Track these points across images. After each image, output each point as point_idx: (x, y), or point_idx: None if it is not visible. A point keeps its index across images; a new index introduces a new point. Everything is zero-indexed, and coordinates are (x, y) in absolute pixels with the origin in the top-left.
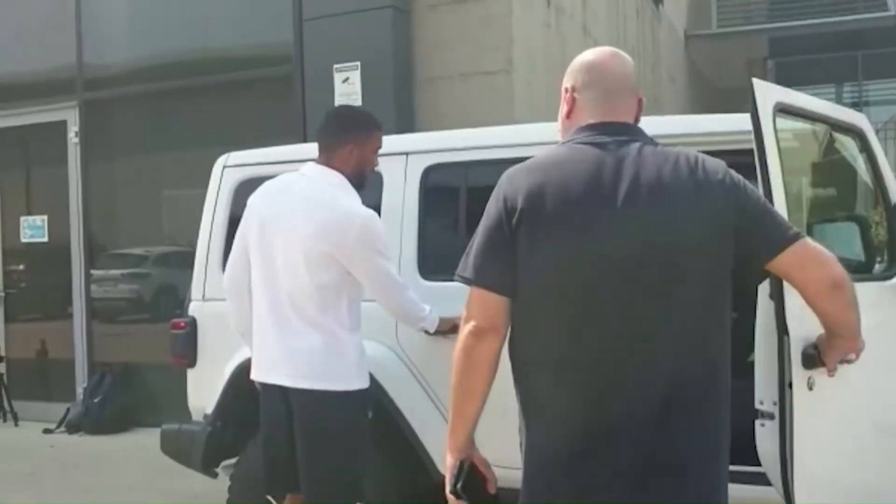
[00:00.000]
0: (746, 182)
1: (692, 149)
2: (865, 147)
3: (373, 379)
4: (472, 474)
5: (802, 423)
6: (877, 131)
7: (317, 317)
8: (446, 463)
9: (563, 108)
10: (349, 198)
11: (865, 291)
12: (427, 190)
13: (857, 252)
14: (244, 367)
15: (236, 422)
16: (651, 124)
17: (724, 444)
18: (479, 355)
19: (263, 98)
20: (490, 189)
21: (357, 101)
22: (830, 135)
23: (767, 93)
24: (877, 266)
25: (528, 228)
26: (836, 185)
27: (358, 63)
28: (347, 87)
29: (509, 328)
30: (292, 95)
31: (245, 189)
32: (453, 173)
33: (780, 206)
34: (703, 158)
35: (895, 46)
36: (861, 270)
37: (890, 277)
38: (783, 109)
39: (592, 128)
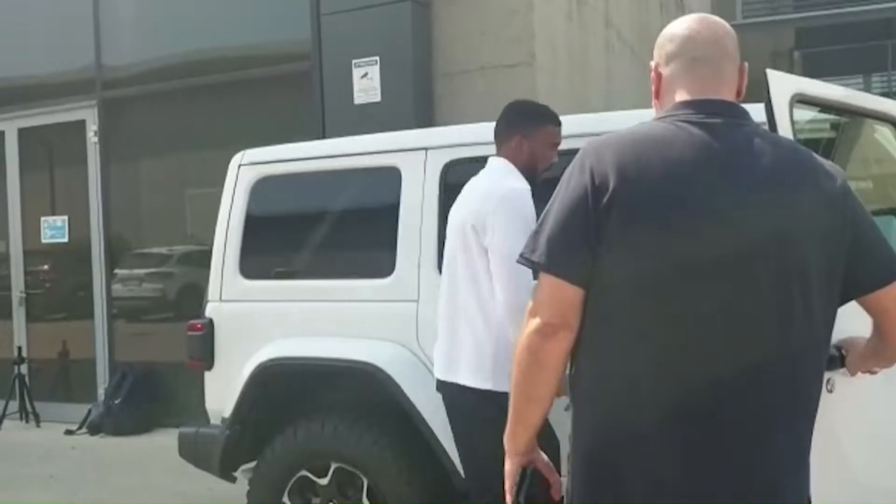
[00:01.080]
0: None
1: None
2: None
3: (393, 383)
4: (534, 480)
5: (820, 425)
6: None
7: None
8: (506, 469)
9: (653, 88)
10: (505, 177)
11: None
12: (447, 186)
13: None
14: (262, 370)
15: (255, 425)
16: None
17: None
18: (548, 356)
19: (282, 95)
20: None
21: (376, 96)
22: (867, 125)
23: (784, 83)
24: None
25: (622, 212)
26: (875, 178)
27: (377, 58)
28: (366, 83)
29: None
30: (311, 92)
31: (261, 187)
32: (474, 169)
33: None
34: (819, 157)
35: None
36: None
37: None
38: (803, 100)
39: (689, 105)
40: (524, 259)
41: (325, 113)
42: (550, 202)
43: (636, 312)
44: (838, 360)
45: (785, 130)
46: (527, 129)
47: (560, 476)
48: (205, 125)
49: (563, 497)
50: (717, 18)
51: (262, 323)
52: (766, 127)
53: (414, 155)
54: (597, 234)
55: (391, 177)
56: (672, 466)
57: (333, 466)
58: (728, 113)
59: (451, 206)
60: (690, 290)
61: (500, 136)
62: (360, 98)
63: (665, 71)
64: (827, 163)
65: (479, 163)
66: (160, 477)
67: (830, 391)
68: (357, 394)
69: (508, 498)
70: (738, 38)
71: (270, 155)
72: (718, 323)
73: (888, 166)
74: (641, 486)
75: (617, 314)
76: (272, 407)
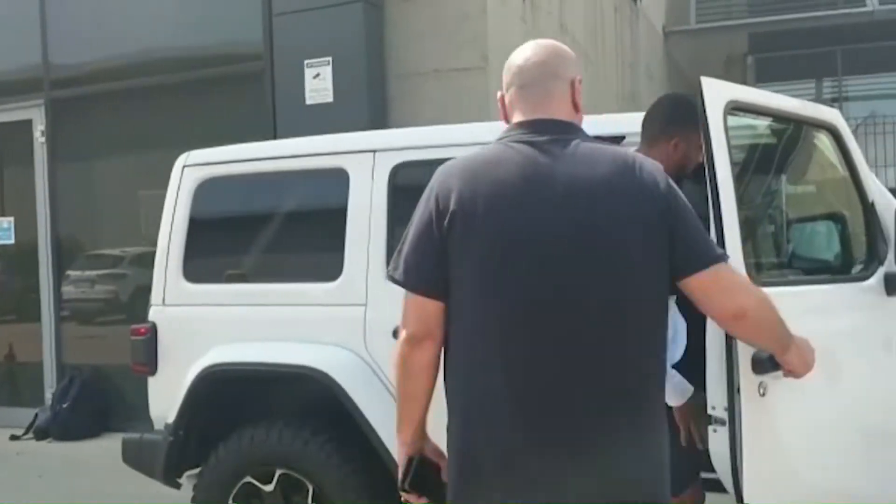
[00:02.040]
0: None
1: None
2: (840, 144)
3: (340, 388)
4: (423, 468)
5: (753, 428)
6: (856, 127)
7: None
8: (398, 460)
9: (501, 115)
10: None
11: (841, 293)
12: (396, 188)
13: (835, 251)
14: (206, 375)
15: (199, 431)
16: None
17: (664, 439)
18: (417, 363)
19: (234, 95)
20: None
21: (328, 97)
22: (806, 132)
23: (719, 91)
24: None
25: (460, 231)
26: (814, 183)
27: (329, 59)
28: (318, 84)
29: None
30: (262, 92)
31: (206, 189)
32: (423, 172)
33: (727, 209)
34: (641, 158)
35: (873, 42)
36: (840, 271)
37: (867, 278)
38: (738, 108)
39: (521, 125)
40: (390, 277)
41: (276, 113)
42: (409, 224)
43: (482, 317)
44: (766, 362)
45: (719, 137)
46: (690, 130)
47: None
48: (155, 125)
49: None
50: (550, 42)
51: (207, 327)
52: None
53: (362, 157)
54: (445, 253)
55: (339, 179)
56: (526, 460)
57: (279, 472)
58: (555, 130)
59: (399, 208)
60: (522, 295)
61: (654, 135)
62: (312, 99)
63: (506, 97)
64: (648, 164)
65: (429, 166)
66: (109, 482)
67: (763, 395)
68: (303, 399)
69: (399, 485)
70: (694, 43)
71: (215, 156)
72: (552, 323)
73: (828, 172)
74: (500, 479)
75: (467, 320)
76: (216, 412)
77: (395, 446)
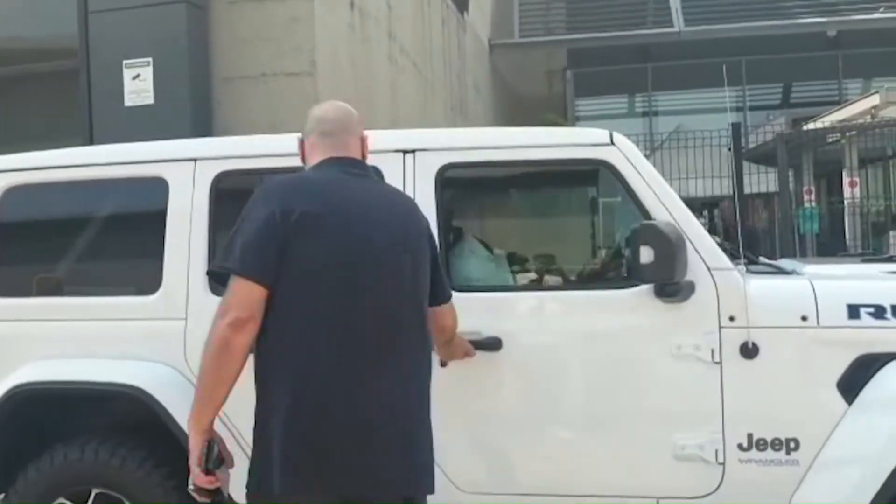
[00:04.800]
0: None
1: None
2: (618, 177)
3: (158, 404)
4: (216, 452)
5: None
6: (663, 140)
7: None
8: (192, 445)
9: (301, 154)
10: None
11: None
12: (218, 198)
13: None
14: (12, 395)
15: (5, 454)
16: None
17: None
18: (238, 345)
19: (46, 94)
20: None
21: (149, 99)
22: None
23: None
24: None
25: (301, 234)
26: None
27: (150, 59)
28: (138, 84)
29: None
30: (78, 92)
31: (14, 197)
32: (246, 181)
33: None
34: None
35: (680, 60)
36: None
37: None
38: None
39: (335, 160)
40: (220, 267)
41: (92, 114)
42: (235, 229)
43: (307, 310)
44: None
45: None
46: None
47: None
48: None
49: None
50: (345, 105)
51: (16, 344)
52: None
53: (182, 166)
54: (282, 252)
55: (157, 188)
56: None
57: (94, 492)
58: (361, 166)
59: (221, 218)
60: (349, 291)
61: None
62: (131, 100)
63: (308, 141)
64: (415, 204)
65: (251, 175)
66: None
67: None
68: (121, 417)
69: (199, 467)
70: (517, 56)
71: (25, 162)
72: (366, 318)
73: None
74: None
75: (300, 308)
76: (26, 434)
77: (191, 431)
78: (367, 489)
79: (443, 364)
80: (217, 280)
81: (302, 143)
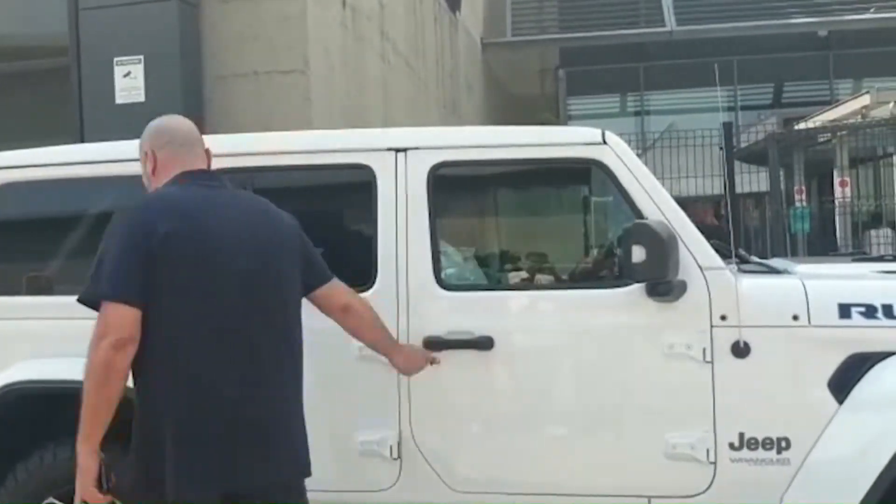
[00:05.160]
0: None
1: None
2: (610, 176)
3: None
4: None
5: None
6: (655, 140)
7: None
8: (84, 467)
9: (149, 167)
10: None
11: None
12: None
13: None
14: (4, 393)
15: None
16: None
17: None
18: (120, 365)
19: (37, 91)
20: (275, 195)
21: (140, 97)
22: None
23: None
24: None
25: (168, 253)
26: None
27: (141, 57)
28: (129, 82)
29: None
30: (68, 89)
31: (6, 195)
32: (235, 179)
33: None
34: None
35: (672, 59)
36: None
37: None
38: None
39: (193, 174)
40: (92, 296)
41: (83, 111)
42: (102, 253)
43: (187, 321)
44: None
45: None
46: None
47: None
48: None
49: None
50: (183, 118)
51: (8, 342)
52: None
53: None
54: (153, 271)
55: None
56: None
57: None
58: (213, 178)
59: None
60: (219, 301)
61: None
62: (122, 98)
63: (160, 154)
64: (274, 206)
65: (241, 173)
66: None
67: None
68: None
69: (92, 489)
70: (509, 54)
71: (16, 159)
72: (238, 323)
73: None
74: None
75: (179, 321)
76: (17, 433)
77: (82, 452)
78: (256, 479)
79: (433, 361)
80: (91, 307)
81: (153, 156)
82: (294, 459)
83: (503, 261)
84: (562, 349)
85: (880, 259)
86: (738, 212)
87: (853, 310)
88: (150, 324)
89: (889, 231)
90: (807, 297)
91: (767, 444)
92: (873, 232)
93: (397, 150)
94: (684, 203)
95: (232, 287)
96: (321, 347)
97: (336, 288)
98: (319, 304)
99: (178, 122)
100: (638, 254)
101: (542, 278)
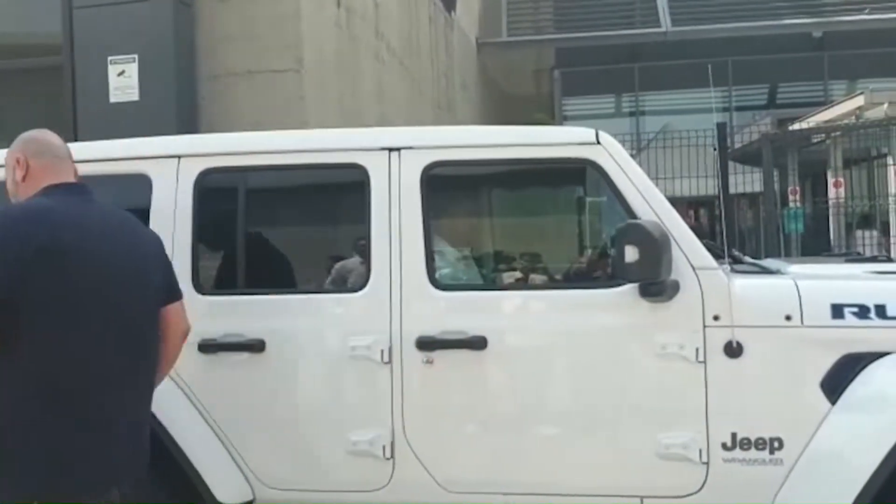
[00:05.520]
0: None
1: None
2: (604, 176)
3: None
4: None
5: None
6: (649, 140)
7: None
8: None
9: (19, 174)
10: None
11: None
12: (201, 195)
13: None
14: None
15: None
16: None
17: None
18: None
19: (30, 90)
20: (269, 195)
21: (134, 95)
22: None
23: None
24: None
25: (46, 265)
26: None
27: (135, 56)
28: (123, 81)
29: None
30: (62, 88)
31: None
32: (231, 178)
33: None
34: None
35: (667, 60)
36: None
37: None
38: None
39: (65, 186)
40: None
41: (77, 110)
42: None
43: (61, 324)
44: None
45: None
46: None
47: None
48: None
49: None
50: (55, 134)
51: None
52: None
53: (165, 163)
54: (21, 275)
55: (141, 185)
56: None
57: None
58: (86, 192)
59: (206, 215)
60: (90, 311)
61: None
62: (116, 96)
63: (34, 162)
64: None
65: (236, 172)
66: None
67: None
68: None
69: None
70: (505, 55)
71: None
72: (103, 327)
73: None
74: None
75: (49, 326)
76: None
77: None
78: (110, 475)
79: (428, 361)
80: None
81: (25, 163)
82: (143, 459)
83: (497, 261)
84: (555, 349)
85: (873, 260)
86: (732, 212)
87: (846, 310)
88: (23, 328)
89: (876, 232)
90: (800, 298)
91: (760, 444)
92: (860, 233)
93: (391, 150)
94: (678, 203)
95: (104, 298)
96: (314, 347)
97: (181, 310)
98: (167, 320)
99: (52, 136)
100: (631, 254)
101: (535, 278)
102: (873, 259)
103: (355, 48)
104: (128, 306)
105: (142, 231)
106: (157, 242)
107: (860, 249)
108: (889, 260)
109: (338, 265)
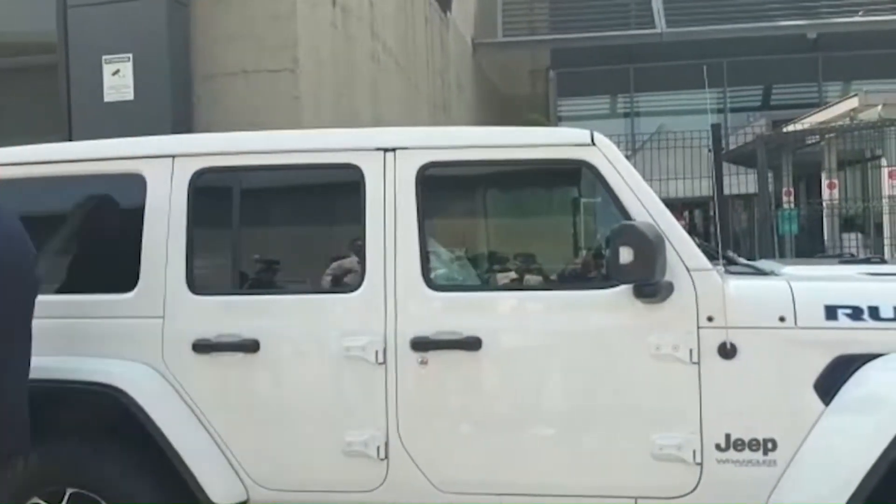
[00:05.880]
0: None
1: None
2: (598, 177)
3: (135, 403)
4: None
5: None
6: (644, 141)
7: None
8: None
9: None
10: None
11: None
12: (196, 195)
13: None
14: None
15: None
16: None
17: None
18: None
19: (24, 88)
20: (263, 195)
21: (128, 95)
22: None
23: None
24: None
25: None
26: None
27: (130, 55)
28: (118, 80)
29: None
30: (56, 87)
31: None
32: (226, 178)
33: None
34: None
35: (662, 61)
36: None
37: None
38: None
39: None
40: None
41: (71, 109)
42: None
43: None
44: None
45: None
46: None
47: None
48: None
49: None
50: None
51: None
52: None
53: (160, 162)
54: None
55: (135, 184)
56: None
57: (69, 492)
58: None
59: (200, 215)
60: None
61: None
62: (110, 96)
63: None
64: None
65: (231, 172)
66: None
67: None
68: (96, 415)
69: None
70: (501, 55)
71: (2, 158)
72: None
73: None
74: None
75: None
76: None
77: None
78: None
79: (423, 362)
80: None
81: None
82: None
83: (492, 261)
84: (549, 350)
85: (867, 261)
86: (726, 213)
87: (840, 311)
88: None
89: (860, 235)
90: (793, 299)
91: (754, 445)
92: (846, 235)
93: (386, 150)
94: (673, 204)
95: (9, 296)
96: (308, 347)
97: None
98: None
99: None
100: (625, 255)
101: (530, 279)
102: (867, 260)
103: (351, 48)
104: (21, 303)
105: (25, 235)
106: (32, 248)
107: (846, 251)
108: (883, 261)
109: (334, 265)
